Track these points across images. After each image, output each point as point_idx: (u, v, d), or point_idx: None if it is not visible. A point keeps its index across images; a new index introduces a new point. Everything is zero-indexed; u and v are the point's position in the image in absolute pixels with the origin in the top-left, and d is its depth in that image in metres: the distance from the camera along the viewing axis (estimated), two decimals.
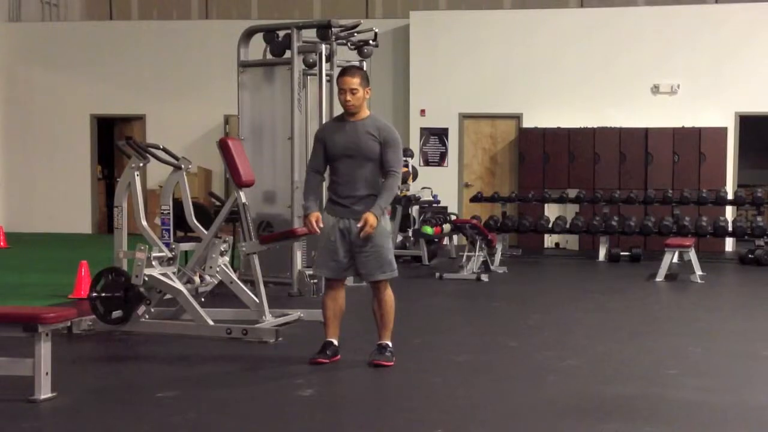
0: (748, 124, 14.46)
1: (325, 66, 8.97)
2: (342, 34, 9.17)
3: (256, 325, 6.52)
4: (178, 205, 7.12)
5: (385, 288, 5.62)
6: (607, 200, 12.85)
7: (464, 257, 10.38)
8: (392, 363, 5.56)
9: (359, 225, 5.40)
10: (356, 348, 6.26)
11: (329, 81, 8.98)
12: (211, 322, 6.47)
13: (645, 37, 14.37)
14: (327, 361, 5.56)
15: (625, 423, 4.41)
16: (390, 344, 5.65)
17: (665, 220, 12.24)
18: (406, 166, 12.72)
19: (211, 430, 4.32)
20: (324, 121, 8.13)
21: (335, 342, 5.67)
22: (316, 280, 8.56)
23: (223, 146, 6.84)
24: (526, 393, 5.02)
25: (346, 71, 5.63)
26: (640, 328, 7.22)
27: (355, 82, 5.48)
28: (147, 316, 6.57)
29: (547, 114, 14.45)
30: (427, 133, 15.05)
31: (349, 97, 5.47)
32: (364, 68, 9.56)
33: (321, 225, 5.51)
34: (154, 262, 6.50)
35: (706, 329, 7.29)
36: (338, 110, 6.01)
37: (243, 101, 9.35)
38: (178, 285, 6.55)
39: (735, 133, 14.18)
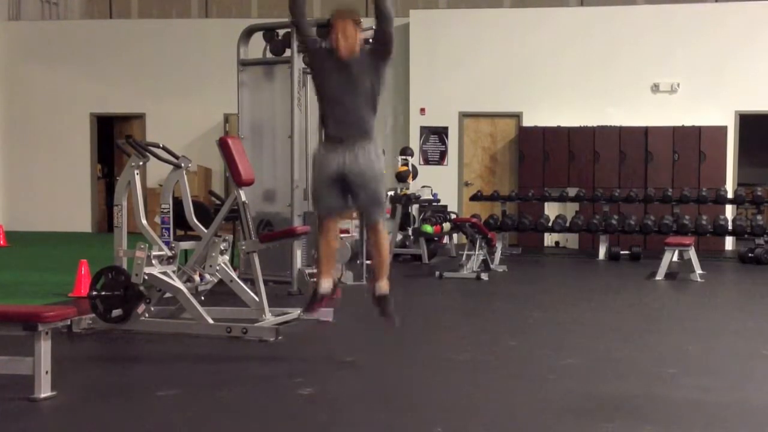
0: (748, 122, 14.47)
1: None
2: None
3: (256, 324, 6.52)
4: (178, 203, 7.12)
5: (382, 229, 5.52)
6: (606, 199, 12.85)
7: (464, 256, 10.38)
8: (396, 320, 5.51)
9: None
10: (356, 347, 6.28)
11: None
12: (210, 321, 6.47)
13: (645, 36, 14.37)
14: (321, 305, 5.52)
15: (625, 422, 4.41)
16: (389, 294, 5.55)
17: (665, 219, 12.24)
18: (406, 164, 12.73)
19: (210, 428, 4.32)
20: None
21: (330, 282, 5.53)
22: (315, 279, 8.54)
23: (223, 145, 6.84)
24: (525, 392, 5.02)
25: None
26: (640, 326, 7.22)
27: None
28: (147, 315, 6.56)
29: (547, 113, 14.46)
30: (427, 131, 15.05)
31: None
32: None
33: None
34: (154, 261, 6.50)
35: (705, 328, 7.29)
36: None
37: (243, 100, 9.35)
38: (177, 283, 6.55)
39: (735, 131, 14.19)
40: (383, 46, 5.38)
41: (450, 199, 14.14)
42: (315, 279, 5.63)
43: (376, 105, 5.42)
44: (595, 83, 14.44)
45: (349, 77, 5.35)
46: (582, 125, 14.21)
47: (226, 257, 6.98)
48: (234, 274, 6.93)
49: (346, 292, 8.63)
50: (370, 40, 5.47)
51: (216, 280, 6.92)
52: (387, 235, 5.59)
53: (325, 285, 5.52)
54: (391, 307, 5.52)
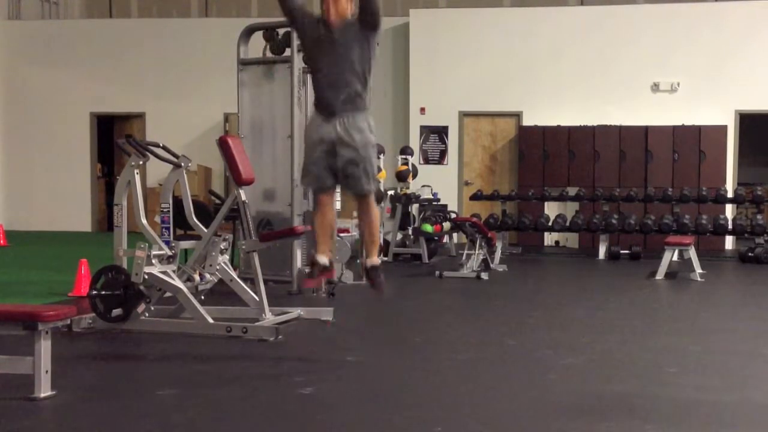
0: (748, 122, 14.47)
1: None
2: None
3: (255, 323, 6.52)
4: (178, 203, 7.12)
5: (372, 203, 5.45)
6: (606, 198, 12.86)
7: (464, 255, 10.38)
8: (384, 288, 5.46)
9: None
10: (356, 347, 6.28)
11: None
12: (210, 320, 6.47)
13: (645, 35, 14.37)
14: (315, 282, 5.47)
15: (625, 421, 4.41)
16: (380, 264, 5.49)
17: (665, 219, 12.24)
18: (406, 164, 12.73)
19: (210, 427, 4.32)
20: None
21: (325, 259, 5.44)
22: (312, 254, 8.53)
23: (223, 144, 6.84)
24: (525, 391, 5.02)
25: None
26: (640, 326, 7.22)
27: None
28: (147, 314, 6.56)
29: (547, 112, 14.46)
30: (427, 131, 15.05)
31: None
32: None
33: None
34: (154, 260, 6.49)
35: (705, 327, 7.29)
36: None
37: (243, 99, 9.35)
38: (177, 283, 6.55)
39: (735, 131, 14.19)
40: (371, 16, 5.26)
41: (450, 199, 14.14)
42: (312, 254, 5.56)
43: (366, 75, 5.33)
44: (595, 83, 14.44)
45: (338, 46, 5.28)
46: (582, 124, 14.21)
47: (226, 257, 6.98)
48: (234, 274, 6.93)
49: (346, 292, 8.64)
50: (358, 11, 5.36)
51: (216, 280, 6.92)
52: (377, 209, 5.52)
53: (321, 260, 5.41)
54: (381, 278, 5.43)
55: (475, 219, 11.19)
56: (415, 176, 13.01)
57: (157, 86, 16.18)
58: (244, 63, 9.35)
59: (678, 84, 14.27)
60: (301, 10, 5.42)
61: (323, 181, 5.37)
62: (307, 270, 5.46)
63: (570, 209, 13.48)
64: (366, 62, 5.32)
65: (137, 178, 6.77)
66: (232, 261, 7.50)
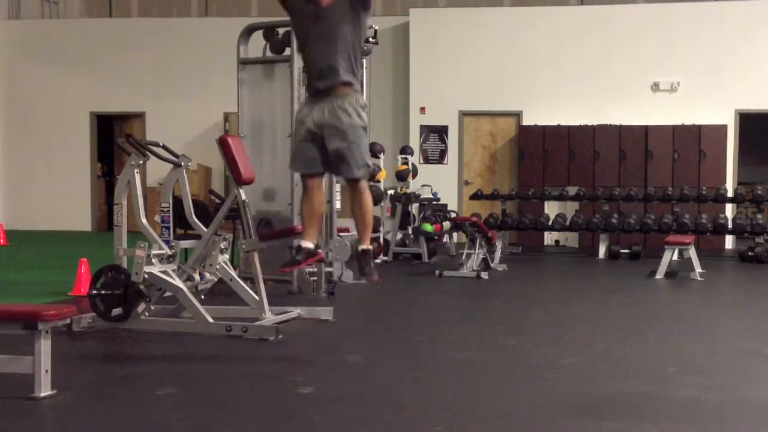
0: (748, 121, 14.47)
1: None
2: None
3: (256, 323, 6.52)
4: (177, 202, 7.12)
5: (364, 186, 5.39)
6: (606, 198, 12.86)
7: (464, 255, 10.37)
8: (378, 278, 5.43)
9: None
10: (356, 347, 6.28)
11: None
12: (210, 320, 6.47)
13: (645, 35, 14.37)
14: (295, 267, 5.45)
15: (625, 421, 4.41)
16: (371, 248, 5.47)
17: (665, 218, 12.24)
18: (406, 163, 12.73)
19: (210, 427, 4.32)
20: None
21: (310, 245, 5.40)
22: (315, 278, 8.55)
23: (223, 144, 6.83)
24: (526, 390, 5.02)
25: None
26: (640, 325, 7.22)
27: None
28: (147, 314, 6.56)
29: (546, 111, 14.46)
30: (427, 130, 15.05)
31: None
32: (364, 66, 9.58)
33: None
34: (153, 260, 6.49)
35: (706, 327, 7.29)
36: None
37: (243, 99, 9.35)
38: (177, 282, 6.54)
39: (735, 130, 14.19)
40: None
41: (450, 198, 14.14)
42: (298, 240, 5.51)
43: (356, 56, 5.28)
44: (595, 82, 14.44)
45: (328, 26, 5.24)
46: (582, 124, 14.21)
47: (226, 256, 6.98)
48: (234, 273, 6.93)
49: (346, 292, 8.64)
50: None
51: (216, 279, 6.92)
52: (369, 195, 5.45)
53: (306, 244, 5.38)
54: (371, 265, 5.41)
55: (475, 218, 11.18)
56: (415, 176, 13.01)
57: (157, 85, 16.18)
58: (244, 62, 9.35)
59: (678, 83, 14.27)
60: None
61: (311, 166, 5.34)
62: (293, 254, 5.41)
63: (570, 209, 13.47)
64: (356, 43, 5.26)
65: (137, 177, 6.77)
66: (232, 260, 7.50)
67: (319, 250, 5.47)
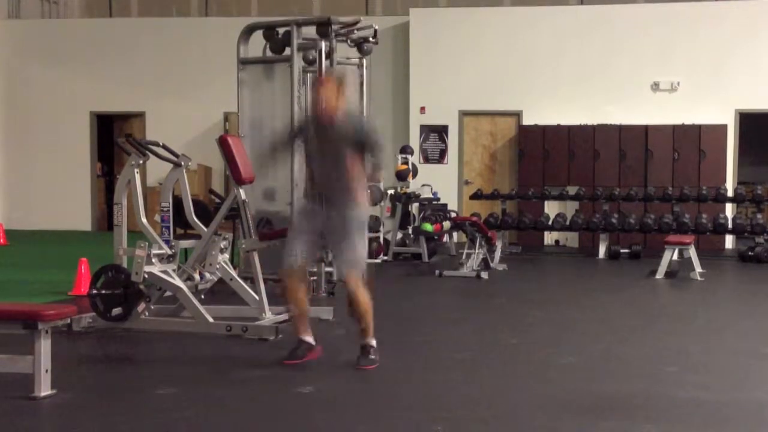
0: (748, 121, 14.46)
1: (324, 63, 8.96)
2: (342, 31, 9.16)
3: (255, 323, 6.52)
4: (177, 202, 7.12)
5: (357, 287, 5.47)
6: (606, 197, 12.85)
7: (464, 254, 10.37)
8: (375, 365, 5.48)
9: None
10: (356, 347, 6.27)
11: None
12: (210, 320, 6.47)
13: (645, 34, 14.36)
14: (298, 361, 5.54)
15: (625, 420, 4.41)
16: (373, 343, 5.54)
17: (665, 218, 12.24)
18: (406, 163, 12.73)
19: (210, 427, 4.32)
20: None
21: (309, 339, 5.60)
22: (315, 277, 8.55)
23: (223, 143, 6.84)
24: (526, 390, 5.02)
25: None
26: (640, 325, 7.22)
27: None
28: (147, 314, 6.56)
29: (547, 111, 14.45)
30: (427, 130, 15.04)
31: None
32: (364, 65, 9.60)
33: None
34: (154, 260, 6.49)
35: (705, 327, 7.29)
36: None
37: (243, 98, 9.34)
38: (177, 282, 6.55)
39: (735, 130, 14.18)
40: (361, 145, 5.50)
41: (450, 198, 14.13)
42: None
43: (353, 170, 5.49)
44: (595, 82, 14.44)
45: (326, 141, 5.49)
46: (582, 124, 14.20)
47: (226, 256, 6.98)
48: (234, 273, 6.94)
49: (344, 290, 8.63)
50: (357, 137, 5.52)
51: (216, 279, 6.92)
52: (365, 293, 5.50)
53: (308, 339, 5.60)
54: (370, 358, 5.49)
55: (475, 218, 11.18)
56: (415, 175, 13.01)
57: (157, 85, 16.17)
58: (244, 62, 9.35)
59: (678, 83, 14.26)
60: (299, 126, 5.90)
61: (306, 264, 5.63)
62: (293, 349, 5.54)
63: (570, 208, 13.47)
64: (355, 159, 5.50)
65: (137, 177, 6.77)
66: (232, 260, 7.50)
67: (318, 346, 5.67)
